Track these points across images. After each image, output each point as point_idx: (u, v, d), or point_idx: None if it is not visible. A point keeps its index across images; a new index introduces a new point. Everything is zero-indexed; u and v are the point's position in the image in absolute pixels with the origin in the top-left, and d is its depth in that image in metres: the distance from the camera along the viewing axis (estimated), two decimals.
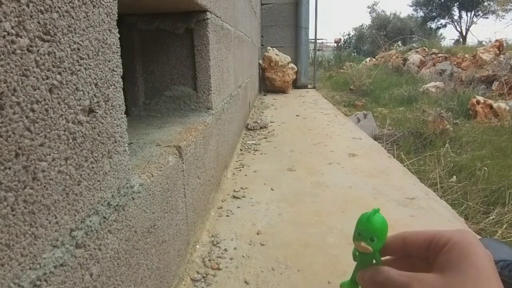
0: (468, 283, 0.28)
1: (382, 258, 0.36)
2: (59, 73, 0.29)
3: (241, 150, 1.58)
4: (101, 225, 0.36)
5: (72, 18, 0.31)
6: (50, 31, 0.28)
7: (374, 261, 0.35)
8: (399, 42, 14.96)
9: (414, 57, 8.25)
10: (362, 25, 24.20)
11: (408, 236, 0.35)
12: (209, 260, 0.73)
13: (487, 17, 20.16)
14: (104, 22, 0.37)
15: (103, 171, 0.37)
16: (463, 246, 0.30)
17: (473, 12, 20.45)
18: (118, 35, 0.40)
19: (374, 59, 10.44)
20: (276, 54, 3.52)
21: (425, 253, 0.34)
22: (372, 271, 0.34)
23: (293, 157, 1.45)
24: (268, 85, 3.63)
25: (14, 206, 0.24)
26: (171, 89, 0.94)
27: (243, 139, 1.76)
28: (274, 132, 1.91)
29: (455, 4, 20.77)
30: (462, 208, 1.86)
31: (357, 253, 0.37)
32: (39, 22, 0.26)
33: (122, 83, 0.41)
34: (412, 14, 23.74)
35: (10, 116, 0.24)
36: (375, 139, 2.16)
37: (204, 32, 0.89)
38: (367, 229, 0.34)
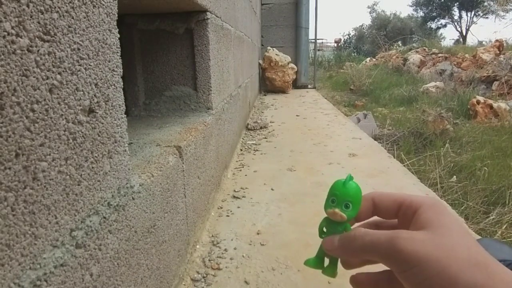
0: (453, 234, 0.28)
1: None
2: (59, 73, 0.29)
3: (241, 150, 1.58)
4: (101, 225, 0.36)
5: (72, 18, 0.31)
6: (50, 31, 0.28)
7: (344, 232, 0.32)
8: (399, 42, 14.96)
9: (414, 57, 8.25)
10: (362, 25, 24.21)
11: (376, 196, 0.33)
12: (209, 260, 0.73)
13: (487, 17, 20.17)
14: (104, 22, 0.37)
15: (103, 171, 0.37)
16: (438, 209, 0.30)
17: (473, 12, 20.45)
18: (118, 35, 0.40)
19: (374, 59, 10.44)
20: (276, 54, 3.52)
21: (393, 216, 0.33)
22: (343, 236, 0.31)
23: (293, 157, 1.45)
24: (268, 85, 3.63)
25: (14, 206, 0.24)
26: (171, 89, 0.94)
27: (243, 139, 1.76)
28: (274, 132, 1.90)
29: (455, 4, 20.77)
30: (462, 208, 1.86)
31: (324, 227, 0.33)
32: (39, 22, 0.26)
33: (122, 83, 0.41)
34: (412, 14, 23.75)
35: (10, 116, 0.24)
36: (375, 139, 2.16)
37: (204, 32, 0.89)
38: (343, 194, 0.31)
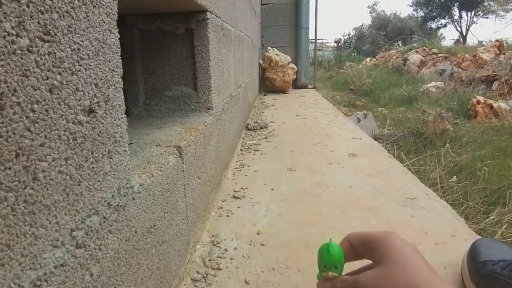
0: (395, 265, 0.36)
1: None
2: (59, 74, 0.29)
3: (241, 150, 1.58)
4: (101, 225, 0.36)
5: (72, 18, 0.31)
6: (50, 31, 0.28)
7: None
8: (399, 42, 14.96)
9: (414, 57, 8.24)
10: (362, 25, 24.20)
11: (351, 237, 0.42)
12: (209, 260, 0.74)
13: (487, 17, 20.15)
14: (104, 22, 0.37)
15: (103, 171, 0.37)
16: (389, 243, 0.38)
17: (473, 12, 20.44)
18: (118, 35, 0.40)
19: (374, 59, 10.44)
20: (276, 54, 3.51)
21: (362, 251, 0.41)
22: (331, 282, 0.41)
23: (293, 157, 1.45)
24: (268, 85, 3.63)
25: (14, 206, 0.24)
26: (171, 89, 0.94)
27: (243, 139, 1.76)
28: (274, 132, 1.91)
29: (455, 4, 20.76)
30: (462, 208, 1.86)
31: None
32: (39, 23, 0.26)
33: (122, 83, 0.41)
34: (412, 14, 23.74)
35: (10, 116, 0.24)
36: (375, 139, 2.16)
37: (204, 32, 0.89)
38: (330, 261, 0.41)
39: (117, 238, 0.39)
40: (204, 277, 0.68)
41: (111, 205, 0.38)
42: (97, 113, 0.35)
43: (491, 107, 4.04)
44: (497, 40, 6.93)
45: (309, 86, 4.24)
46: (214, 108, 0.97)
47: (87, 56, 0.33)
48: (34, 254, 0.26)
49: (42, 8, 0.27)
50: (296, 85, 4.06)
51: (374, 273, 0.37)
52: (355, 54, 15.28)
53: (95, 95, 0.35)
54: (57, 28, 0.29)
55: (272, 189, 1.11)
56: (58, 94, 0.29)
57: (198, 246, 0.78)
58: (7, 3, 0.23)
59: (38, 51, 0.26)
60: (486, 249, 0.64)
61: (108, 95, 0.38)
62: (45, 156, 0.27)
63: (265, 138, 1.78)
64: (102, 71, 0.36)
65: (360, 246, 0.41)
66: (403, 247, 0.37)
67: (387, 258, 0.37)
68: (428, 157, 2.56)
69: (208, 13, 0.89)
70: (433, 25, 22.72)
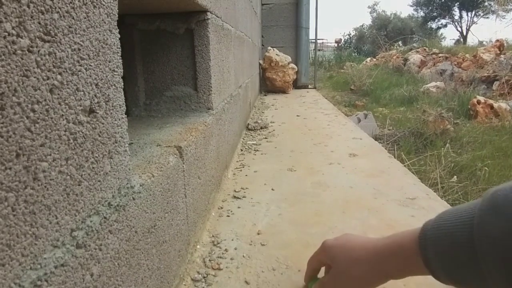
0: (338, 270, 0.52)
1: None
2: (60, 74, 0.29)
3: (241, 150, 1.58)
4: (101, 225, 0.36)
5: (73, 18, 0.31)
6: (51, 31, 0.28)
7: None
8: (400, 42, 14.95)
9: (415, 57, 8.24)
10: (362, 25, 24.18)
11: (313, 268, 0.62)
12: (209, 260, 0.74)
13: (487, 17, 20.14)
14: (105, 23, 0.37)
15: (103, 171, 0.37)
16: (328, 251, 0.54)
17: (473, 12, 20.43)
18: (119, 36, 0.40)
19: (374, 59, 10.44)
20: (277, 54, 3.51)
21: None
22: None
23: (293, 157, 1.45)
24: (268, 85, 3.63)
25: (14, 206, 0.24)
26: (171, 89, 0.94)
27: (243, 139, 1.76)
28: (275, 132, 1.91)
29: (456, 4, 20.75)
30: None
31: None
32: (39, 23, 0.26)
33: (122, 84, 0.41)
34: (413, 14, 23.73)
35: (10, 116, 0.24)
36: (375, 139, 2.16)
37: (204, 33, 0.89)
38: None
39: (118, 238, 0.39)
40: (204, 277, 0.68)
41: (112, 205, 0.38)
42: (98, 113, 0.35)
43: (491, 107, 4.04)
44: (497, 40, 6.93)
45: (310, 86, 4.24)
46: (214, 108, 0.97)
47: (87, 56, 0.33)
48: (34, 254, 0.26)
49: (43, 8, 0.27)
50: (296, 85, 4.06)
51: (326, 278, 0.55)
52: (356, 54, 15.27)
53: (95, 95, 0.35)
54: (58, 28, 0.29)
55: (272, 189, 1.11)
56: (58, 94, 0.29)
57: (198, 246, 0.78)
58: (8, 3, 0.23)
59: (38, 51, 0.26)
60: None
61: (108, 95, 0.38)
62: (46, 156, 0.27)
63: (266, 138, 1.78)
64: (102, 71, 0.36)
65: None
66: (337, 252, 0.53)
67: (333, 265, 0.54)
68: (429, 157, 2.56)
69: (208, 13, 0.89)
70: (434, 25, 22.72)
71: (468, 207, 0.38)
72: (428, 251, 0.40)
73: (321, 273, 0.60)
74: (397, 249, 0.44)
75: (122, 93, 0.41)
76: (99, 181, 0.36)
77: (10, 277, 0.24)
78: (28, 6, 0.25)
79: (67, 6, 0.30)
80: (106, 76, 0.37)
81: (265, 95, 3.58)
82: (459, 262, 0.36)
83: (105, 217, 0.37)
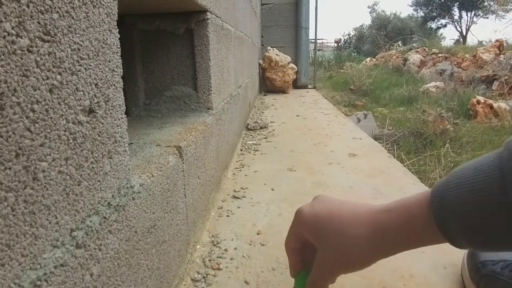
0: (330, 255, 0.42)
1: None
2: (59, 74, 0.29)
3: (241, 150, 1.58)
4: (101, 225, 0.36)
5: (73, 18, 0.31)
6: (51, 31, 0.28)
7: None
8: (399, 42, 14.95)
9: (414, 57, 8.24)
10: (362, 25, 24.21)
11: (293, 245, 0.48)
12: (209, 260, 0.73)
13: (487, 17, 20.16)
14: (104, 23, 0.37)
15: (103, 171, 0.37)
16: (309, 224, 0.44)
17: (473, 12, 20.45)
18: (118, 35, 0.40)
19: (374, 59, 10.44)
20: (276, 54, 3.51)
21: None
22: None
23: (293, 157, 1.45)
24: (268, 85, 3.63)
25: (14, 206, 0.24)
26: (171, 89, 0.94)
27: (243, 139, 1.76)
28: (274, 132, 1.91)
29: (455, 4, 20.76)
30: None
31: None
32: (39, 23, 0.26)
33: (122, 83, 0.41)
34: (412, 14, 23.75)
35: (10, 116, 0.24)
36: (375, 139, 2.16)
37: (204, 32, 0.89)
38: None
39: (117, 238, 0.39)
40: (204, 277, 0.68)
41: (111, 205, 0.38)
42: (97, 113, 0.35)
43: (491, 107, 4.04)
44: (497, 40, 6.93)
45: (309, 86, 4.24)
46: (214, 108, 0.97)
47: (87, 56, 0.33)
48: (34, 254, 0.26)
49: (42, 8, 0.27)
50: (296, 85, 4.06)
51: (316, 255, 0.43)
52: (355, 54, 15.28)
53: (95, 95, 0.35)
54: (57, 28, 0.29)
55: (272, 189, 1.11)
56: (58, 94, 0.29)
57: (198, 246, 0.78)
58: (7, 3, 0.23)
59: (38, 51, 0.26)
60: None
61: (108, 95, 0.38)
62: (45, 156, 0.27)
63: (265, 138, 1.78)
64: (102, 71, 0.36)
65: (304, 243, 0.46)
66: (307, 218, 0.45)
67: (318, 243, 0.43)
68: (428, 157, 2.56)
69: (208, 13, 0.89)
70: (433, 25, 22.74)
71: (485, 162, 0.33)
72: (447, 217, 0.34)
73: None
74: (404, 224, 0.37)
75: (122, 93, 0.41)
76: (98, 181, 0.36)
77: (9, 277, 0.24)
78: (28, 6, 0.25)
79: (66, 6, 0.30)
80: (106, 76, 0.37)
81: (265, 95, 3.58)
82: (487, 221, 0.32)
83: (104, 217, 0.37)
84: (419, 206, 0.37)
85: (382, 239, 0.38)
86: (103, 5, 0.36)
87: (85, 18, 0.33)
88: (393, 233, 0.38)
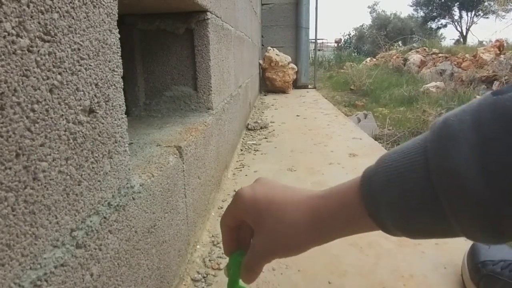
0: (268, 238, 0.40)
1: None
2: (60, 73, 0.29)
3: (241, 150, 1.58)
4: (101, 225, 0.36)
5: (73, 18, 0.31)
6: (51, 31, 0.28)
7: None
8: (400, 42, 14.95)
9: (415, 57, 8.25)
10: (362, 25, 24.22)
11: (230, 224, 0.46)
12: (209, 260, 0.73)
13: (487, 17, 20.16)
14: (105, 23, 0.37)
15: (103, 171, 0.37)
16: (248, 208, 0.42)
17: (473, 12, 20.45)
18: (119, 35, 0.40)
19: (374, 59, 10.44)
20: (277, 54, 3.51)
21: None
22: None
23: (293, 157, 1.45)
24: (268, 85, 3.63)
25: (14, 206, 0.24)
26: (171, 89, 0.94)
27: (243, 139, 1.76)
28: (275, 132, 1.91)
29: (456, 4, 20.77)
30: None
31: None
32: (39, 23, 0.26)
33: (122, 83, 0.41)
34: (413, 14, 23.77)
35: (10, 116, 0.24)
36: (375, 139, 2.16)
37: (204, 32, 0.89)
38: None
39: (117, 238, 0.39)
40: (204, 277, 0.68)
41: (111, 205, 0.38)
42: (97, 113, 0.35)
43: None
44: (497, 40, 6.93)
45: (309, 86, 4.24)
46: (214, 108, 0.97)
47: (87, 56, 0.33)
48: (34, 254, 0.26)
49: (43, 8, 0.27)
50: (296, 85, 4.06)
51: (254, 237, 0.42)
52: (355, 54, 15.28)
53: (95, 95, 0.35)
54: (58, 28, 0.29)
55: None
56: (58, 94, 0.29)
57: (198, 246, 0.78)
58: (8, 3, 0.23)
59: (38, 51, 0.26)
60: (486, 249, 0.64)
61: (108, 95, 0.38)
62: (45, 156, 0.27)
63: (265, 138, 1.78)
64: (102, 71, 0.36)
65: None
66: (245, 199, 0.42)
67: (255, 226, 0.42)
68: None
69: (208, 13, 0.89)
70: (433, 25, 22.75)
71: (412, 145, 0.32)
72: (377, 202, 0.33)
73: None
74: (338, 211, 0.37)
75: (122, 93, 0.41)
76: (99, 181, 0.36)
77: (10, 277, 0.24)
78: (28, 6, 0.25)
79: (67, 6, 0.30)
80: (106, 76, 0.37)
81: (265, 95, 3.58)
82: (413, 206, 0.30)
83: (105, 217, 0.37)
84: (351, 192, 0.36)
85: (319, 226, 0.37)
86: (103, 5, 0.36)
87: (85, 18, 0.33)
88: (329, 220, 0.37)
